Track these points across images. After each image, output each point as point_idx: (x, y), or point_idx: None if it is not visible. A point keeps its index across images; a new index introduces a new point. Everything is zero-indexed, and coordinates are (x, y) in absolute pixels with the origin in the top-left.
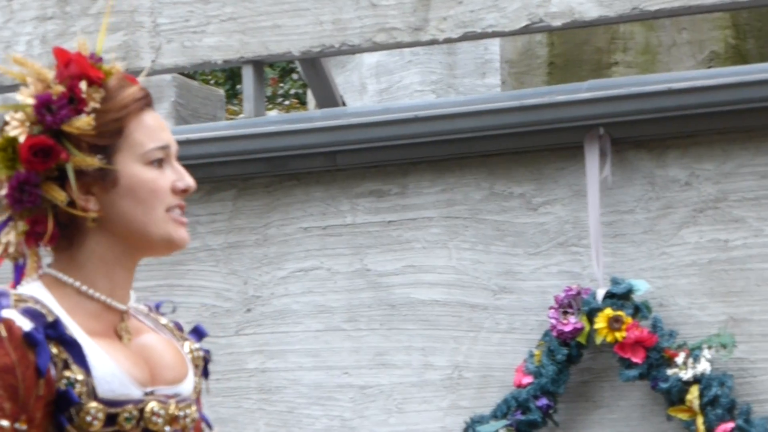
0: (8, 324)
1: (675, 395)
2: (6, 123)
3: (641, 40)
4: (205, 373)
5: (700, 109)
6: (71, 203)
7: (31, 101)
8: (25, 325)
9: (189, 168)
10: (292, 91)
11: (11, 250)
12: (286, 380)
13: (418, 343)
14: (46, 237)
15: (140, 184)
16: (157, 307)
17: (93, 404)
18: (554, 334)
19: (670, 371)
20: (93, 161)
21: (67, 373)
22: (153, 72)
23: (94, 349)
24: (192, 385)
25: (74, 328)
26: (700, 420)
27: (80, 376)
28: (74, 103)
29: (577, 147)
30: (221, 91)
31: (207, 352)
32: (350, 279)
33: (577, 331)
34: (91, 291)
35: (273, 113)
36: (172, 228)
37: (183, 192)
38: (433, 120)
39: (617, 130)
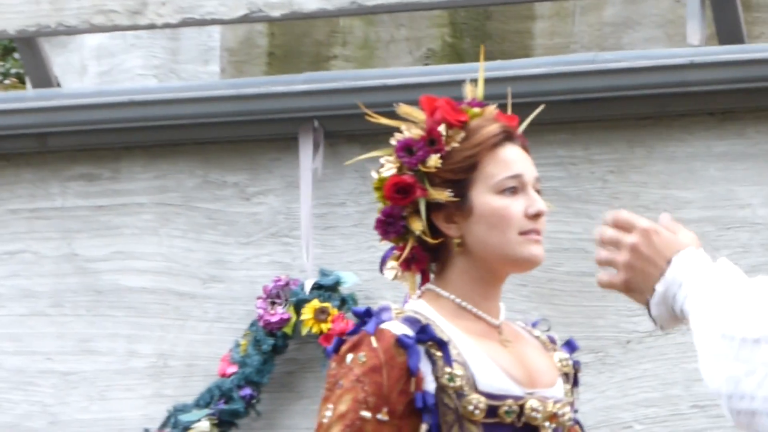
0: (381, 332)
1: None
2: (381, 165)
3: (360, 35)
4: (575, 383)
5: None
6: (434, 231)
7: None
8: (400, 331)
9: None
10: (13, 71)
11: (399, 274)
12: None
13: (124, 330)
14: (403, 259)
15: (492, 212)
16: (534, 325)
17: (474, 395)
18: (261, 324)
19: None
20: (443, 195)
21: (447, 369)
22: None
23: (473, 348)
24: (562, 390)
25: (454, 331)
26: None
27: (459, 371)
28: (433, 144)
29: (292, 138)
30: None
31: (577, 363)
32: (57, 263)
33: (283, 321)
34: (464, 303)
35: None
36: (525, 248)
37: (535, 216)
38: (149, 105)
39: (331, 124)
